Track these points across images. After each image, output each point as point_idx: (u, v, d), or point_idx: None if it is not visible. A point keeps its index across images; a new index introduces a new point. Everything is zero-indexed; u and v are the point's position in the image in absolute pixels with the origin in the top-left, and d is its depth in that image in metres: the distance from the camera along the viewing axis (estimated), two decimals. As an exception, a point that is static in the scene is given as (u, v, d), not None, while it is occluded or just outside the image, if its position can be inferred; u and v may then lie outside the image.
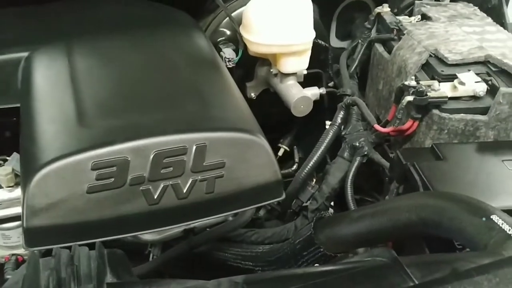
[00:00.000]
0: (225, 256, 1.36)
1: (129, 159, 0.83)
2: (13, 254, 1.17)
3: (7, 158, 1.24)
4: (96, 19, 1.26)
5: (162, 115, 0.92)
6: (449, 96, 1.20)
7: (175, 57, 1.10)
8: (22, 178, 0.86)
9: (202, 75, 1.06)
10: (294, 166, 1.81)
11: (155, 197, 0.85)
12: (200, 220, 0.91)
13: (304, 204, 1.45)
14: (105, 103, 0.95)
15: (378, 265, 0.65)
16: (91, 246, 0.77)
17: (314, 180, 1.48)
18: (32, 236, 0.82)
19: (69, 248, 0.73)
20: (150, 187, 0.85)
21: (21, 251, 1.17)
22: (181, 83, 1.02)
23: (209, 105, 0.96)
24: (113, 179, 0.82)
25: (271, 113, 1.66)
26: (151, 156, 0.84)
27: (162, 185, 0.85)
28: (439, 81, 1.24)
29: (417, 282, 0.61)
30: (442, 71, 1.27)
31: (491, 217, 0.76)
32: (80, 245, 0.78)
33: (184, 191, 0.86)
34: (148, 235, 1.18)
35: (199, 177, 0.87)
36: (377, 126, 1.30)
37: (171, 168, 0.85)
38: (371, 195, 1.56)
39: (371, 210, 1.01)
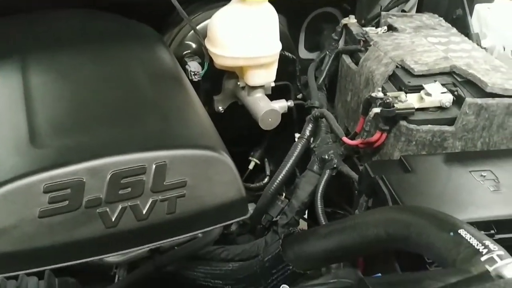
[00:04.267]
0: (194, 275, 1.32)
1: (84, 180, 0.79)
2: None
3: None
4: (53, 33, 1.22)
5: (120, 133, 0.88)
6: (416, 107, 1.19)
7: (136, 71, 1.06)
8: (-30, 203, 0.81)
9: (163, 90, 1.02)
10: (266, 179, 1.79)
11: (113, 219, 0.81)
12: (162, 242, 0.87)
13: (274, 219, 1.42)
14: (60, 121, 0.91)
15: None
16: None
17: (284, 194, 1.46)
18: (-20, 265, 0.77)
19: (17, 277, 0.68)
20: (108, 209, 0.81)
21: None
22: (141, 99, 0.98)
23: (170, 121, 0.92)
24: (67, 202, 0.78)
25: (240, 126, 1.64)
26: (108, 177, 0.80)
27: (120, 207, 0.81)
28: (406, 92, 1.23)
29: (383, 305, 0.58)
30: (409, 82, 1.26)
31: (459, 231, 0.75)
32: (32, 273, 0.74)
33: (144, 212, 0.83)
34: (111, 257, 1.13)
35: (160, 197, 0.83)
36: (345, 139, 1.29)
37: (130, 189, 0.81)
38: (342, 208, 1.54)
39: (339, 226, 0.99)
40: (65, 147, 0.83)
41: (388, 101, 1.17)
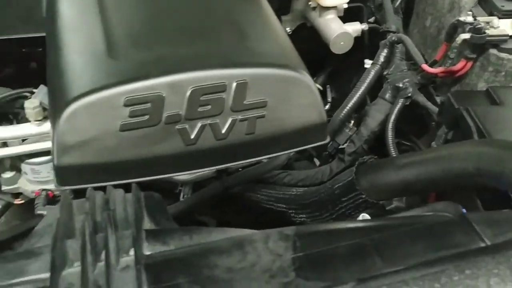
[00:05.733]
0: (257, 197, 1.32)
1: (164, 95, 0.76)
2: (43, 189, 1.14)
3: (34, 90, 1.20)
4: None
5: (199, 48, 0.84)
6: (510, 34, 1.09)
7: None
8: (51, 113, 0.81)
9: (241, 6, 0.96)
10: (327, 106, 1.74)
11: (192, 137, 0.79)
12: (240, 162, 0.85)
13: (341, 147, 1.39)
14: (136, 34, 0.87)
15: (442, 222, 0.59)
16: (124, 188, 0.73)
17: (352, 122, 1.41)
18: (63, 174, 0.77)
19: (103, 190, 0.68)
20: (187, 126, 0.78)
21: (51, 186, 1.15)
22: (218, 14, 0.93)
23: (249, 38, 0.87)
24: (147, 117, 0.76)
25: (305, 50, 1.57)
26: (188, 93, 0.77)
27: (199, 124, 0.79)
28: (499, 17, 1.13)
29: (488, 243, 0.55)
30: (502, 6, 1.16)
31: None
32: (113, 186, 0.74)
33: (223, 131, 0.80)
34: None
35: (239, 117, 0.80)
36: (425, 66, 1.21)
37: (209, 106, 0.78)
38: (409, 139, 1.49)
39: (420, 157, 0.95)
40: (144, 61, 0.80)
41: (478, 26, 1.08)
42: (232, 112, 0.80)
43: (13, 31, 1.23)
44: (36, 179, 1.15)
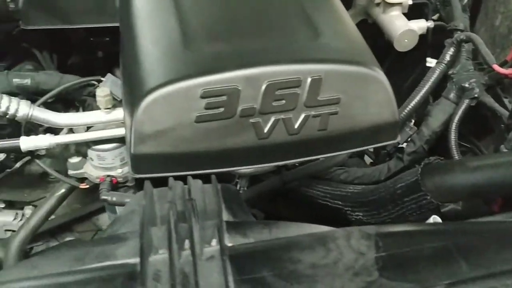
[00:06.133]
0: (312, 193, 1.31)
1: (239, 88, 0.77)
2: (108, 175, 1.18)
3: (102, 78, 1.23)
4: None
5: (273, 42, 0.84)
6: None
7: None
8: (128, 103, 0.83)
9: (313, 1, 0.96)
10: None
11: (265, 131, 0.80)
12: (310, 158, 0.85)
13: (400, 146, 1.37)
14: (211, 26, 0.88)
15: (531, 228, 0.57)
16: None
17: (413, 121, 1.38)
18: (139, 163, 0.79)
19: (182, 179, 0.70)
20: (261, 120, 0.79)
21: (115, 172, 1.18)
22: (291, 9, 0.93)
23: (323, 34, 0.87)
24: (223, 109, 0.77)
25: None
26: (263, 87, 0.77)
27: (273, 119, 0.79)
28: None
29: None
30: None
31: None
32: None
33: (296, 126, 0.80)
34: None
35: (312, 113, 0.80)
36: (496, 67, 1.17)
37: (284, 101, 0.79)
38: (469, 141, 1.45)
39: (492, 161, 0.93)
40: (220, 53, 0.81)
41: (557, 27, 1.04)
42: (306, 108, 0.80)
43: (82, 20, 1.27)
44: (101, 165, 1.18)
